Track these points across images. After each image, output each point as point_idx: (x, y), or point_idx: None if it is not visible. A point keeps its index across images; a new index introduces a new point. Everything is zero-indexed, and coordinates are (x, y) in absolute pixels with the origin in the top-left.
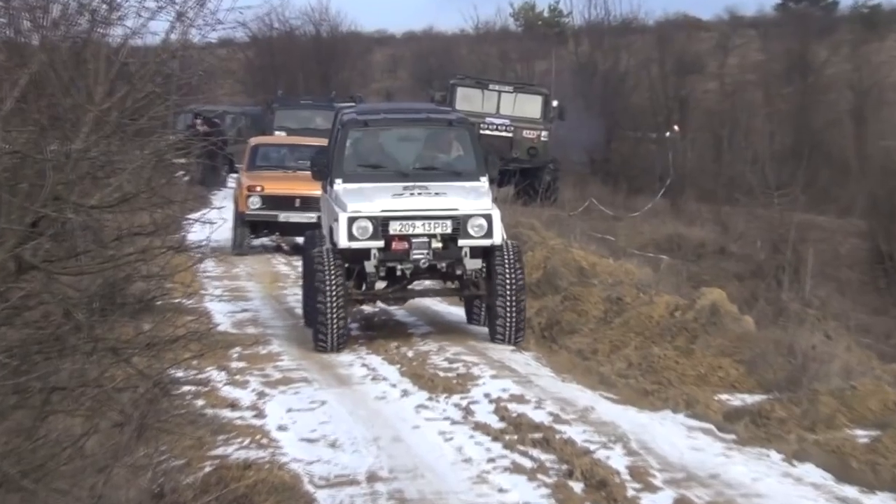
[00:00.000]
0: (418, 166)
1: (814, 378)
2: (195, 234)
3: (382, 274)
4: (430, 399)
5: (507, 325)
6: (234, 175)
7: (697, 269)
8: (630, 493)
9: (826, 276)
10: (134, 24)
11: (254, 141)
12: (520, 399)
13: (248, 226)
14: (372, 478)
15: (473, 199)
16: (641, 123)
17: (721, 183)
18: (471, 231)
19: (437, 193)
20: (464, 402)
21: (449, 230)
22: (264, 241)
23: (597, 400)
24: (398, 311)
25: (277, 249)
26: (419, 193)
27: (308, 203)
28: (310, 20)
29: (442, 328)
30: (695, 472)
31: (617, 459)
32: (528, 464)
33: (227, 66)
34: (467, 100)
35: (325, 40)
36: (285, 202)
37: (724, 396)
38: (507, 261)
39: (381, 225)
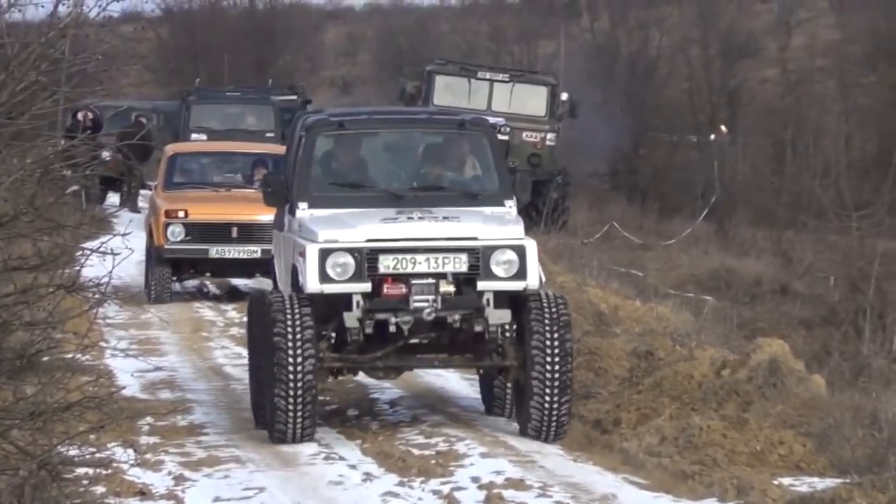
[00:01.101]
0: (416, 186)
1: None
2: (93, 268)
3: (369, 331)
4: (400, 485)
5: (547, 412)
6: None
7: (752, 313)
8: None
9: None
10: None
11: (171, 149)
12: (518, 485)
13: (167, 265)
14: None
15: (498, 225)
16: (678, 124)
17: (782, 202)
18: (495, 269)
19: (445, 218)
20: (445, 489)
21: (464, 268)
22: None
23: (620, 485)
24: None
25: (199, 290)
26: (420, 217)
27: (249, 233)
28: None
29: (424, 400)
30: None
31: None
32: None
33: (133, 48)
34: (450, 92)
35: (260, 14)
36: (218, 232)
37: (786, 480)
38: (547, 315)
39: (366, 260)
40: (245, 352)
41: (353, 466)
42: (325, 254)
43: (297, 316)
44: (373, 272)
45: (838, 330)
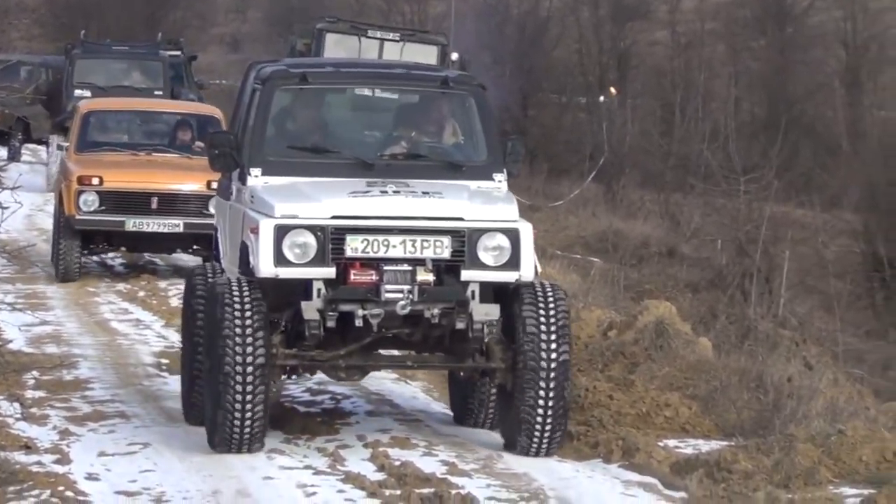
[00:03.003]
0: (390, 153)
1: (789, 420)
2: None
3: (331, 324)
4: (286, 441)
5: (539, 423)
6: (41, 148)
7: (639, 275)
8: None
9: (807, 288)
10: None
11: (85, 106)
12: (404, 443)
13: (77, 237)
14: None
15: (487, 203)
16: (568, 85)
17: (670, 164)
18: (483, 257)
19: (425, 193)
20: (331, 447)
21: (446, 253)
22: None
23: (502, 444)
24: None
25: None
26: (395, 192)
27: (171, 204)
28: None
29: None
30: None
31: None
32: None
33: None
34: (340, 50)
35: None
36: (136, 202)
37: (671, 442)
38: (542, 311)
39: (331, 241)
40: (131, 306)
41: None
42: (281, 231)
43: (248, 305)
44: (338, 255)
45: (725, 293)
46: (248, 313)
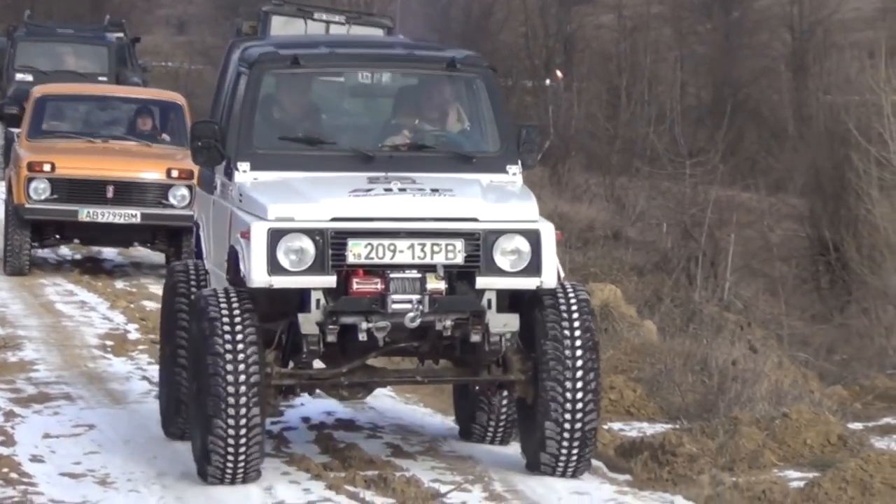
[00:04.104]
0: (392, 143)
1: (734, 403)
2: None
3: (331, 339)
4: None
5: (565, 445)
6: None
7: (584, 258)
8: None
9: (752, 272)
10: None
11: (39, 91)
12: (349, 426)
13: (28, 228)
14: None
15: (504, 201)
16: (513, 68)
17: (616, 148)
18: (500, 262)
19: (434, 190)
20: (276, 429)
21: (459, 259)
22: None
23: (451, 429)
24: None
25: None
26: (401, 189)
27: (128, 193)
28: None
29: None
30: None
31: None
32: None
33: None
34: (286, 32)
35: None
36: (90, 190)
37: (616, 425)
38: (567, 323)
39: (331, 246)
40: (76, 289)
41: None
42: (276, 236)
43: (238, 319)
44: (339, 262)
45: (670, 276)
46: (238, 328)
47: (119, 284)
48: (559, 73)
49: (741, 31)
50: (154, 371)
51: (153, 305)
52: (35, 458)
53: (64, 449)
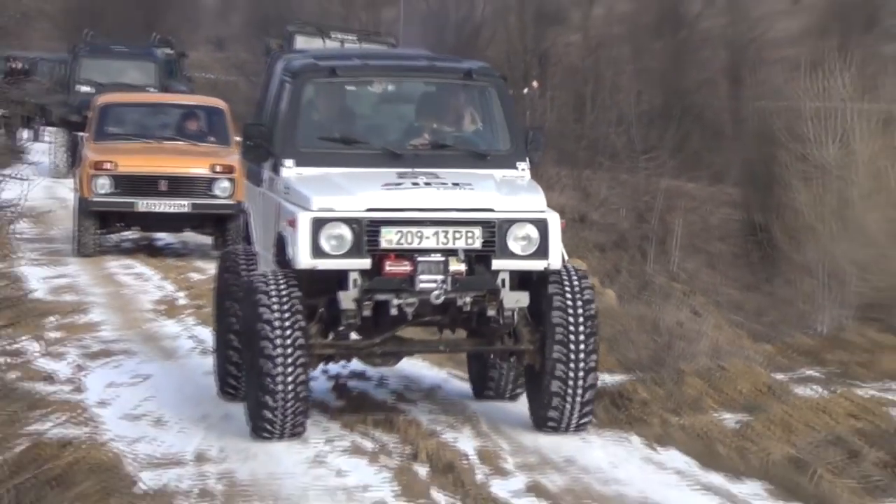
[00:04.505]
0: (416, 143)
1: (679, 357)
2: (8, 191)
3: (367, 313)
4: None
5: (570, 404)
6: (51, 129)
7: None
8: (479, 477)
9: (695, 248)
10: None
11: (102, 99)
12: (360, 376)
13: (94, 217)
14: (200, 458)
15: (515, 193)
16: None
17: (582, 146)
18: (513, 246)
19: (455, 184)
20: None
21: (478, 244)
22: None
23: (445, 379)
24: None
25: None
26: (427, 184)
27: (178, 186)
28: None
29: None
30: (549, 456)
31: (465, 441)
32: (369, 445)
33: (41, 7)
34: (307, 49)
35: None
36: (146, 185)
37: None
38: (570, 296)
39: (366, 233)
40: (134, 262)
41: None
42: (318, 224)
43: (285, 297)
44: (373, 247)
45: (627, 253)
46: (285, 304)
47: (169, 260)
48: (535, 84)
49: (687, 48)
50: (199, 331)
51: (198, 276)
52: (101, 403)
53: (124, 395)
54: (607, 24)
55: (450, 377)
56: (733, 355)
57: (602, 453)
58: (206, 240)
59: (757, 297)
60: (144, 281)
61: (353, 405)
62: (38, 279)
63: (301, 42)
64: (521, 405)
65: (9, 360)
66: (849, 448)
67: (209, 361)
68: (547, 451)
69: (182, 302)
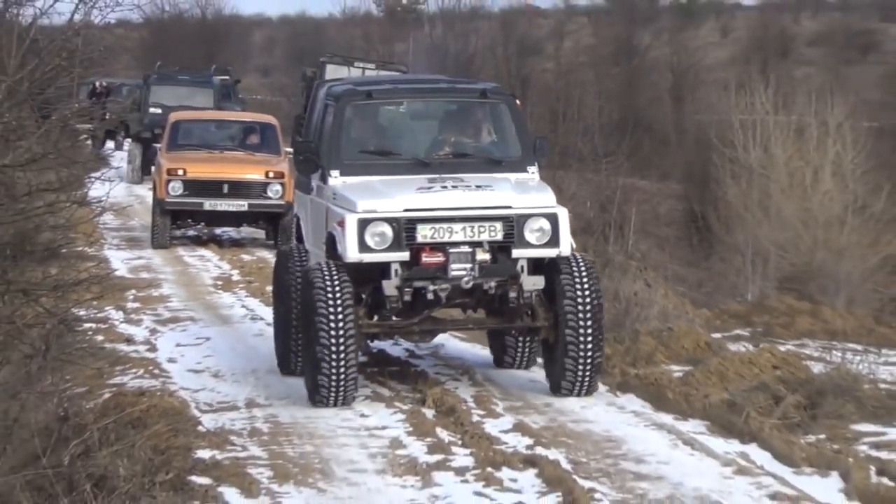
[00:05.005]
0: (441, 153)
1: (635, 320)
2: (96, 190)
3: (407, 298)
4: None
5: (580, 369)
6: (129, 141)
7: None
8: (475, 418)
9: (647, 233)
10: (43, 5)
11: (174, 116)
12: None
13: (168, 215)
14: (250, 404)
15: (530, 192)
16: None
17: (556, 151)
18: (529, 237)
19: (478, 186)
20: None
21: (500, 236)
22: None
23: (447, 338)
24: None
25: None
26: (454, 186)
27: (237, 189)
28: (196, 4)
29: None
30: (531, 401)
31: (464, 390)
32: (386, 392)
33: (123, 43)
34: (335, 76)
35: (209, 22)
36: (211, 188)
37: None
38: (578, 279)
39: (404, 230)
40: (196, 246)
41: (269, 324)
42: (364, 223)
43: (337, 286)
44: (410, 241)
45: (592, 237)
46: (337, 292)
47: (225, 244)
48: (518, 102)
49: (639, 72)
50: (249, 301)
51: (249, 257)
52: (170, 360)
53: (189, 353)
54: (575, 54)
55: (451, 337)
56: (678, 319)
57: (574, 398)
58: (260, 233)
59: (697, 272)
60: (205, 262)
61: (373, 360)
62: (120, 261)
63: (330, 70)
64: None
65: (96, 325)
66: (773, 393)
67: (258, 326)
68: (529, 397)
69: (236, 278)
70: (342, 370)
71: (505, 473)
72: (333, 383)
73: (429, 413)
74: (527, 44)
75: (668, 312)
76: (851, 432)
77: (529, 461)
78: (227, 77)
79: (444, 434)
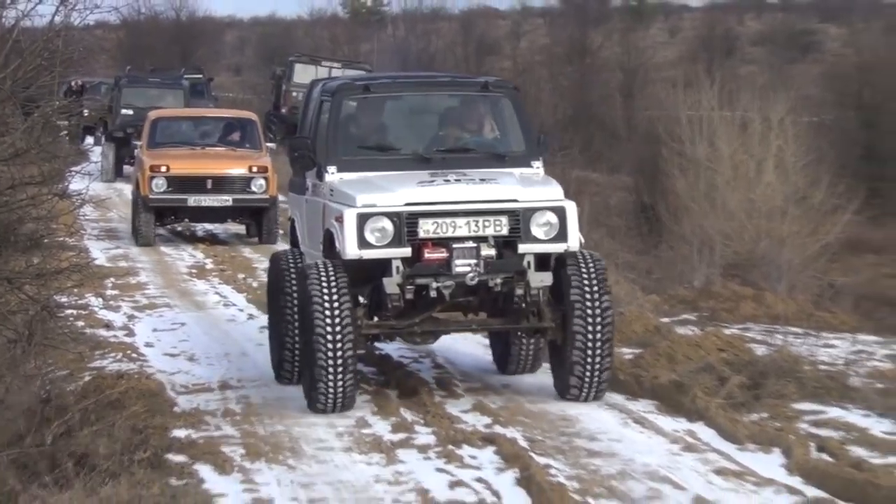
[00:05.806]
0: (442, 148)
1: None
2: (76, 183)
3: (409, 296)
4: None
5: (589, 372)
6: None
7: None
8: (437, 399)
9: (599, 223)
10: (25, 8)
11: (153, 115)
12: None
13: (151, 212)
14: (223, 386)
15: (536, 186)
16: None
17: None
18: (536, 232)
19: (482, 180)
20: None
21: (505, 231)
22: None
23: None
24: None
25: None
26: (457, 180)
27: (221, 184)
28: (171, 6)
29: None
30: (490, 382)
31: (426, 372)
32: None
33: (101, 44)
34: (303, 74)
35: (183, 23)
36: (195, 184)
37: None
38: (587, 275)
39: (406, 224)
40: (171, 236)
41: (241, 310)
42: (363, 219)
43: (334, 285)
44: (412, 237)
45: None
46: (334, 292)
47: (199, 234)
48: (520, 95)
49: (591, 71)
50: (222, 288)
51: (222, 248)
52: (147, 344)
53: (165, 338)
54: (531, 53)
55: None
56: (629, 304)
57: (531, 380)
58: (240, 228)
59: (646, 260)
60: (181, 251)
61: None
62: (99, 250)
63: (298, 69)
64: (472, 346)
65: (77, 312)
66: (718, 374)
67: (230, 312)
68: (488, 379)
69: (209, 267)
70: (340, 371)
71: (465, 451)
72: (331, 388)
73: (392, 394)
74: (485, 43)
75: (620, 298)
76: (792, 411)
77: (488, 439)
78: (200, 76)
79: (407, 414)
